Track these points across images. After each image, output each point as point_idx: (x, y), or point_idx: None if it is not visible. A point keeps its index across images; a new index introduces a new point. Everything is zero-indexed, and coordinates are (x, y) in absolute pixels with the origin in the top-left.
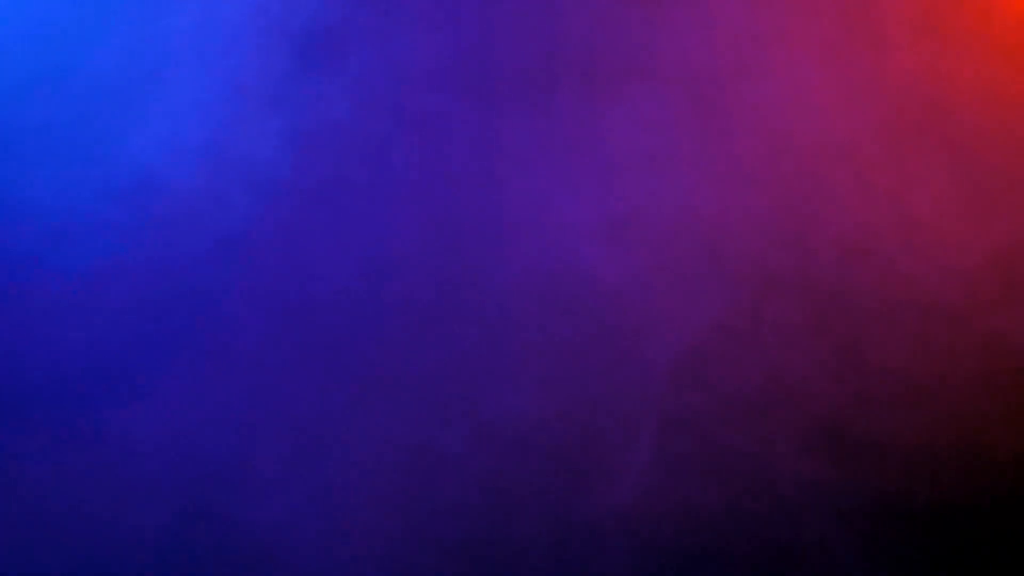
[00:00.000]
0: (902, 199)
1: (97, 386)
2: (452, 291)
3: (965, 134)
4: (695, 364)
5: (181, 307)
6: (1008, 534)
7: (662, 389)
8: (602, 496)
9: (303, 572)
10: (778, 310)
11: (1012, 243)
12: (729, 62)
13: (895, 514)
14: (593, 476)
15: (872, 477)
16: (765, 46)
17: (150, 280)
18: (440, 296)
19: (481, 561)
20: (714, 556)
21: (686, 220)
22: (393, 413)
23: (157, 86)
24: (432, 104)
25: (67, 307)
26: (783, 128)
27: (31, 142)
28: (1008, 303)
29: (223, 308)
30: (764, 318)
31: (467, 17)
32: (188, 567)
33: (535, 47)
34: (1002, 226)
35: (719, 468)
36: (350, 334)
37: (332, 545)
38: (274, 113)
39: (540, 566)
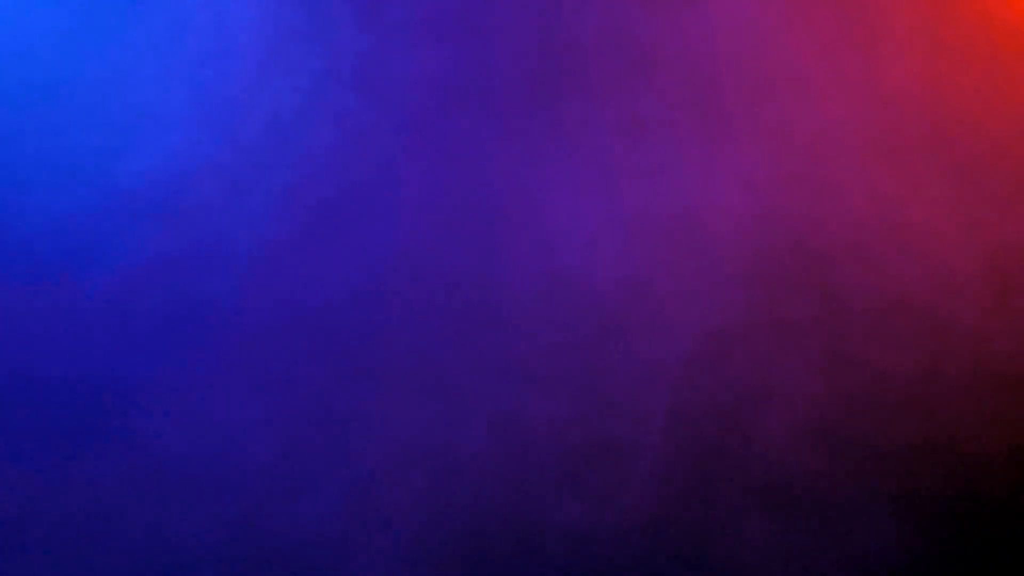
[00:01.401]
0: (899, 204)
1: (127, 396)
2: (467, 295)
3: (962, 140)
4: (702, 362)
5: (206, 316)
6: (996, 534)
7: (670, 388)
8: (612, 495)
9: (337, 571)
10: (774, 312)
11: (1007, 250)
12: (729, 65)
13: (892, 515)
14: (603, 474)
15: (870, 478)
16: (765, 51)
17: (176, 290)
18: (456, 300)
19: (500, 554)
20: (714, 556)
21: (685, 223)
22: (413, 415)
23: (168, 95)
24: (435, 108)
25: (95, 318)
26: (781, 133)
27: (51, 154)
28: (1001, 310)
29: (247, 316)
30: (761, 320)
31: (468, 20)
32: (224, 571)
33: (535, 49)
34: (997, 233)
35: (722, 468)
36: (373, 340)
37: (364, 544)
38: (284, 122)
39: (553, 560)
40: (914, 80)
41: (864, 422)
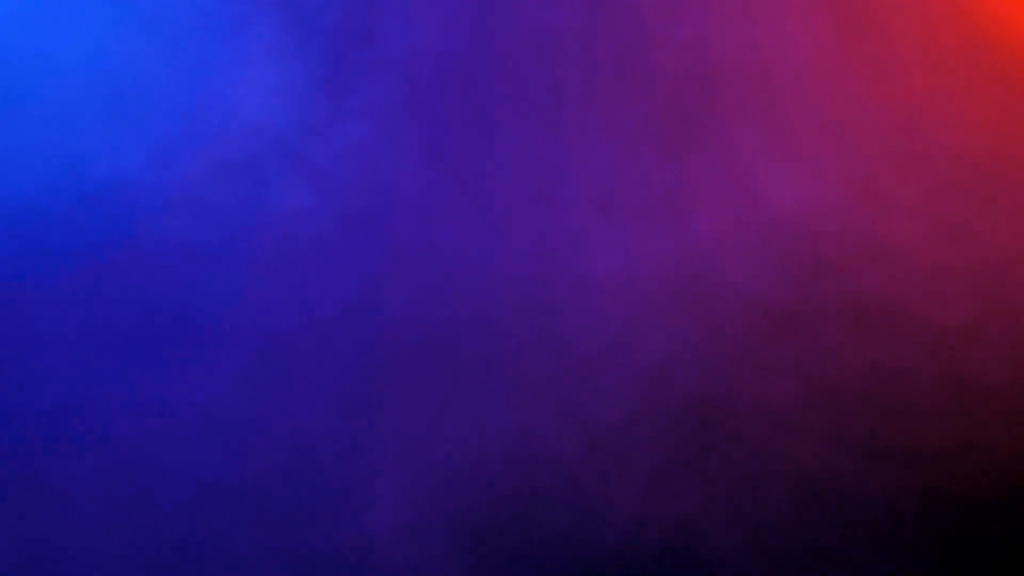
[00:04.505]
0: (891, 207)
1: (139, 406)
2: (468, 297)
3: (955, 148)
4: (700, 361)
5: (223, 323)
6: (973, 536)
7: (666, 387)
8: (612, 497)
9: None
10: (768, 311)
11: (994, 256)
12: (730, 74)
13: (879, 516)
14: (605, 473)
15: (856, 478)
16: (767, 59)
17: (192, 296)
18: (456, 305)
19: (518, 550)
20: (710, 556)
21: (684, 223)
22: (438, 418)
23: (167, 99)
24: (433, 113)
25: (118, 331)
26: (780, 136)
27: (47, 149)
28: (986, 316)
29: (261, 324)
30: (754, 320)
31: (467, 23)
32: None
33: (530, 50)
34: (985, 239)
35: (716, 468)
36: (381, 350)
37: (402, 553)
38: (287, 126)
39: (565, 561)
40: (914, 93)
41: (850, 424)
